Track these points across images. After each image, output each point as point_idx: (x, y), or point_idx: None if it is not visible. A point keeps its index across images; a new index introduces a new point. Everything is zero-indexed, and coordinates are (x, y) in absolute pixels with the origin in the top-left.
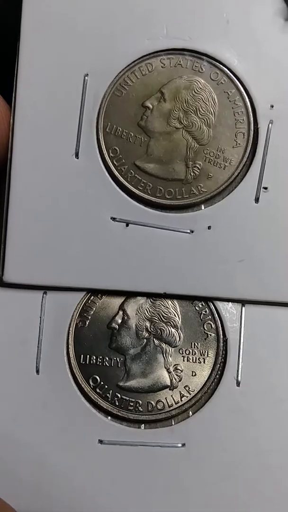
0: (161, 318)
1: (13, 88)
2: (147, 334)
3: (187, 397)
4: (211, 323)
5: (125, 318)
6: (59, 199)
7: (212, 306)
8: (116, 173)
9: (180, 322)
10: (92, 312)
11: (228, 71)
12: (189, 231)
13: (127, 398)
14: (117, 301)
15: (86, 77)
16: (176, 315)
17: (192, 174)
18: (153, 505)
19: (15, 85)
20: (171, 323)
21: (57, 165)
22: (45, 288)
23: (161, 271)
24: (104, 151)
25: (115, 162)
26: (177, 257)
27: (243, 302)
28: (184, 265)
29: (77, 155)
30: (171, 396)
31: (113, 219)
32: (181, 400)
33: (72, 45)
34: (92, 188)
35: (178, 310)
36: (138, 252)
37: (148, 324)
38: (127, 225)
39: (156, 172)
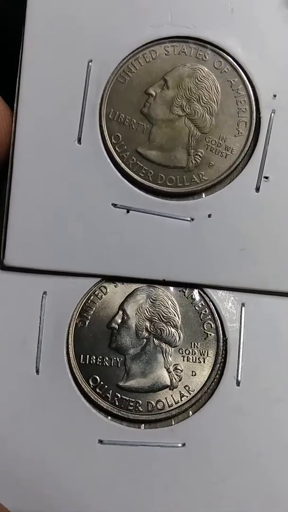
0: (161, 318)
1: (17, 75)
2: (147, 334)
3: (187, 397)
4: (211, 323)
5: (125, 318)
6: (61, 184)
7: (212, 305)
8: (118, 159)
9: (180, 322)
10: (92, 312)
11: (232, 60)
12: (189, 219)
13: (127, 398)
14: (116, 300)
15: (89, 64)
16: (176, 315)
17: (193, 162)
18: (154, 505)
19: (19, 72)
20: (171, 323)
21: (60, 151)
22: (45, 273)
23: (160, 258)
24: (107, 138)
25: (117, 149)
26: (177, 244)
27: (242, 291)
28: (183, 253)
29: (79, 141)
30: (171, 396)
31: (114, 205)
32: (181, 400)
33: (76, 32)
34: (94, 174)
35: (178, 310)
36: (138, 239)
37: (148, 324)
38: (127, 212)
39: (158, 159)
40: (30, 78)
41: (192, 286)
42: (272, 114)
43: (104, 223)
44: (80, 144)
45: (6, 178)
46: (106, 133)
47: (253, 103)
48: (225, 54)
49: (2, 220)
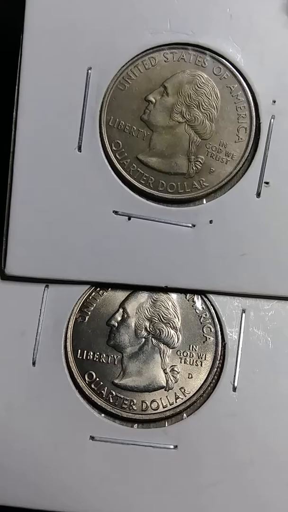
0: (161, 318)
1: (16, 82)
2: (145, 334)
3: (182, 399)
4: (211, 327)
5: (125, 316)
6: (61, 192)
7: (213, 310)
8: (118, 166)
9: (179, 324)
10: (92, 308)
11: (231, 66)
12: (190, 225)
13: (122, 396)
14: (118, 298)
15: (89, 71)
16: (176, 316)
17: (194, 168)
18: (142, 505)
19: (18, 79)
20: (171, 324)
21: (60, 159)
22: (46, 281)
23: (162, 265)
24: (107, 145)
25: (117, 156)
26: (179, 251)
27: (244, 296)
28: (185, 259)
29: (79, 149)
30: (166, 397)
31: (115, 212)
32: (176, 402)
33: (75, 39)
34: (95, 181)
35: (178, 312)
36: (139, 245)
37: (147, 323)
38: (129, 219)
39: (159, 166)
40: (29, 86)
41: (194, 292)
42: (272, 120)
43: (105, 231)
44: (80, 151)
45: (7, 186)
46: (106, 140)
47: (253, 108)
48: (224, 60)
49: (3, 229)
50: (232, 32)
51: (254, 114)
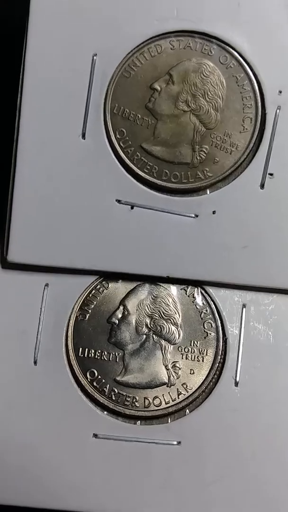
0: (161, 315)
1: (21, 69)
2: (146, 330)
3: (184, 395)
4: (212, 322)
5: (126, 313)
6: (65, 179)
7: (213, 305)
8: (122, 155)
9: (180, 320)
10: (93, 306)
11: (238, 55)
12: (193, 215)
13: (124, 393)
14: (118, 296)
15: (94, 58)
16: (177, 312)
17: (198, 158)
18: (146, 502)
19: (23, 66)
20: (172, 320)
21: (64, 146)
22: (48, 270)
23: (164, 255)
24: (111, 133)
25: (121, 144)
26: (181, 241)
27: (245, 288)
28: (187, 250)
29: (83, 136)
30: (168, 393)
31: (118, 201)
32: (178, 398)
33: (81, 26)
34: (98, 169)
35: (179, 307)
36: (142, 235)
37: (148, 320)
38: (132, 208)
39: (163, 155)
40: (34, 72)
41: (196, 283)
42: (278, 110)
43: (108, 219)
44: (84, 139)
45: (10, 173)
46: (110, 128)
47: (259, 99)
48: (231, 49)
49: (6, 216)
50: (239, 20)
51: (259, 104)
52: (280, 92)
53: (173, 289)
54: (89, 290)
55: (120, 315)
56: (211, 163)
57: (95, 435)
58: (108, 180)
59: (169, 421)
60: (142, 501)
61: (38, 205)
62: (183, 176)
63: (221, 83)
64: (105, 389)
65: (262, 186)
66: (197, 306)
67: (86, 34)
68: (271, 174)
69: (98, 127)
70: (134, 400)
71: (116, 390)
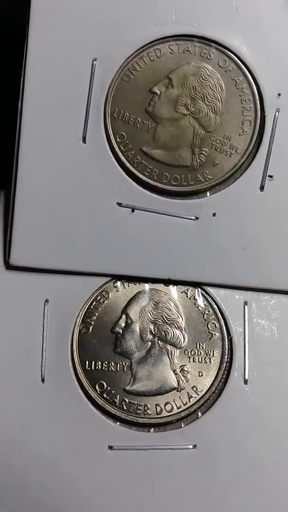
0: (164, 320)
1: (21, 74)
2: (151, 337)
3: (195, 397)
4: (215, 322)
5: (129, 321)
6: (65, 183)
7: (215, 305)
8: (122, 158)
9: (184, 323)
10: (95, 317)
11: (236, 59)
12: (194, 217)
13: (135, 402)
14: (119, 305)
15: (94, 62)
16: (180, 316)
17: (198, 161)
18: (167, 509)
19: (24, 71)
20: (175, 324)
21: (64, 150)
22: (50, 272)
23: (165, 257)
24: (111, 136)
25: (122, 148)
26: (182, 243)
27: (246, 290)
28: (188, 252)
29: (84, 140)
30: (179, 397)
31: (119, 204)
32: (190, 401)
33: (81, 31)
34: (99, 173)
35: (181, 311)
36: (143, 237)
37: (152, 326)
38: (132, 211)
39: (163, 158)
40: (34, 77)
41: (197, 284)
42: (277, 113)
43: (109, 222)
44: (84, 143)
45: (11, 177)
46: (110, 132)
47: (258, 102)
48: (229, 53)
49: (8, 220)
50: (237, 24)
51: (259, 107)
52: (279, 94)
53: (174, 293)
54: (89, 302)
55: (123, 324)
56: (211, 165)
57: (110, 447)
58: (108, 183)
59: (182, 426)
60: (163, 508)
61: (39, 209)
62: (183, 179)
63: (220, 86)
64: (115, 400)
65: (262, 188)
66: (199, 308)
67: (85, 39)
68: (270, 176)
69: (99, 131)
70: (146, 408)
71: (127, 399)
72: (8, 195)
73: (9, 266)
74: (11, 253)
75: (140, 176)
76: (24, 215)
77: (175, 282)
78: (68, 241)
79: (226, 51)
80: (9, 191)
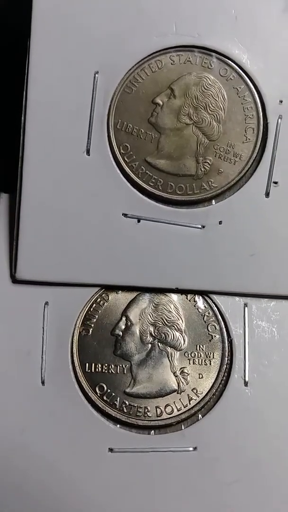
0: (164, 322)
1: (24, 86)
2: (151, 339)
3: (195, 400)
4: (215, 324)
5: (129, 324)
6: (71, 196)
7: (215, 307)
8: (127, 169)
9: (184, 325)
10: (95, 320)
11: (237, 67)
12: (200, 226)
13: (135, 405)
14: (119, 307)
15: (96, 75)
16: (180, 318)
17: (202, 169)
18: (168, 511)
19: (26, 83)
20: (175, 326)
21: (68, 162)
22: (56, 285)
23: (172, 267)
24: (115, 148)
25: (126, 159)
26: (189, 252)
27: (253, 296)
28: (195, 260)
29: (88, 152)
30: (180, 400)
31: (125, 215)
32: (190, 403)
33: (82, 43)
34: (104, 184)
35: (181, 313)
36: (149, 248)
37: (152, 328)
38: (138, 221)
39: (167, 168)
40: (37, 91)
41: (205, 293)
42: (279, 120)
43: (115, 233)
44: (89, 155)
45: (16, 190)
46: (114, 143)
47: (260, 109)
48: (230, 62)
49: (13, 228)
50: (237, 33)
51: (261, 114)
52: (281, 101)
53: (174, 295)
54: (89, 305)
55: (123, 327)
56: (216, 174)
57: (111, 450)
58: (114, 194)
59: (183, 428)
60: (164, 510)
61: (45, 222)
62: (188, 188)
63: (222, 95)
64: (116, 402)
65: (267, 194)
66: (199, 310)
67: (87, 52)
68: (275, 183)
69: (102, 142)
70: (146, 410)
71: (127, 402)
72: (12, 199)
73: (15, 280)
74: (17, 267)
75: (145, 186)
76: (30, 228)
77: (184, 292)
78: (74, 254)
79: (227, 60)
80: (13, 195)
